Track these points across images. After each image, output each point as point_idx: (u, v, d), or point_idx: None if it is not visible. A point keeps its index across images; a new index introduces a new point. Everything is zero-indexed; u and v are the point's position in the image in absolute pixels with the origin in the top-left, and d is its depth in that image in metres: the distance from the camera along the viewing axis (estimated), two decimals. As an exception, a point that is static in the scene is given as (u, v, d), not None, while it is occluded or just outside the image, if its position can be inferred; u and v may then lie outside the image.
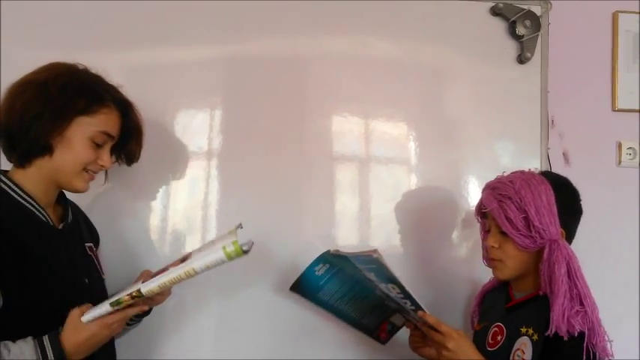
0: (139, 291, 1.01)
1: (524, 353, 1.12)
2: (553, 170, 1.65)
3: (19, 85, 1.10)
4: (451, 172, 1.63)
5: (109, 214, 1.45)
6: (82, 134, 1.10)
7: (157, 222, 1.50)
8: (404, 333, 1.42)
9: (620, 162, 1.74)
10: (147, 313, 1.28)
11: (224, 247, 0.96)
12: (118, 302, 1.02)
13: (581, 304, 1.09)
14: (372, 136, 1.59)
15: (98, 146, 1.13)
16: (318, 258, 1.28)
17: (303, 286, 1.35)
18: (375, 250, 1.10)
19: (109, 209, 1.45)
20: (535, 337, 1.12)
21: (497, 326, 1.23)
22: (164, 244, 1.50)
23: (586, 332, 1.07)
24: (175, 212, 1.51)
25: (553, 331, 1.07)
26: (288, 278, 1.39)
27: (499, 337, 1.21)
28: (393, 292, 1.19)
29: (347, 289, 1.35)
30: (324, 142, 1.57)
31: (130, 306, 1.04)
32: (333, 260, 1.27)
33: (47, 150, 1.09)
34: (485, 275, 1.38)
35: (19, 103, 1.07)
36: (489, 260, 1.25)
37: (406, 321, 1.34)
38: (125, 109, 1.19)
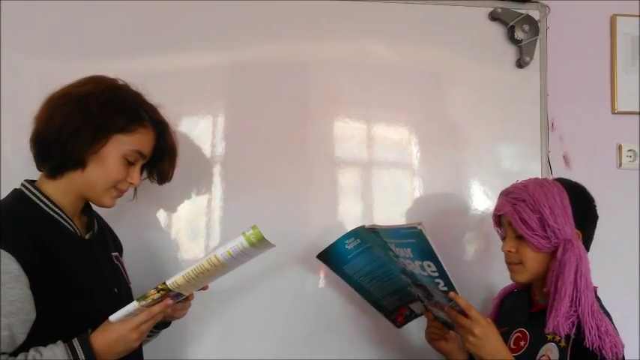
0: (164, 283, 1.02)
1: (549, 359, 1.12)
2: (554, 173, 1.66)
3: (59, 96, 1.09)
4: (452, 175, 1.64)
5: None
6: (117, 152, 1.10)
7: (159, 227, 1.51)
8: (417, 332, 1.41)
9: (620, 164, 1.75)
10: (166, 325, 1.28)
11: (244, 232, 0.98)
12: (144, 296, 1.02)
13: (579, 305, 1.10)
14: (373, 141, 1.60)
15: (130, 164, 1.13)
16: (351, 231, 1.28)
17: (331, 257, 1.33)
18: (420, 223, 1.07)
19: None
20: (562, 343, 1.11)
21: (520, 331, 1.22)
22: (165, 250, 1.51)
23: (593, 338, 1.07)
24: (179, 219, 1.52)
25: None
26: (291, 282, 1.39)
27: (522, 343, 1.20)
28: (427, 271, 1.13)
29: (372, 268, 1.33)
30: (327, 147, 1.58)
31: (155, 303, 1.03)
32: (365, 237, 1.26)
33: (80, 164, 1.08)
34: (489, 279, 1.38)
35: (59, 116, 1.06)
36: (508, 265, 1.24)
37: (425, 310, 1.33)
38: (161, 130, 1.19)
